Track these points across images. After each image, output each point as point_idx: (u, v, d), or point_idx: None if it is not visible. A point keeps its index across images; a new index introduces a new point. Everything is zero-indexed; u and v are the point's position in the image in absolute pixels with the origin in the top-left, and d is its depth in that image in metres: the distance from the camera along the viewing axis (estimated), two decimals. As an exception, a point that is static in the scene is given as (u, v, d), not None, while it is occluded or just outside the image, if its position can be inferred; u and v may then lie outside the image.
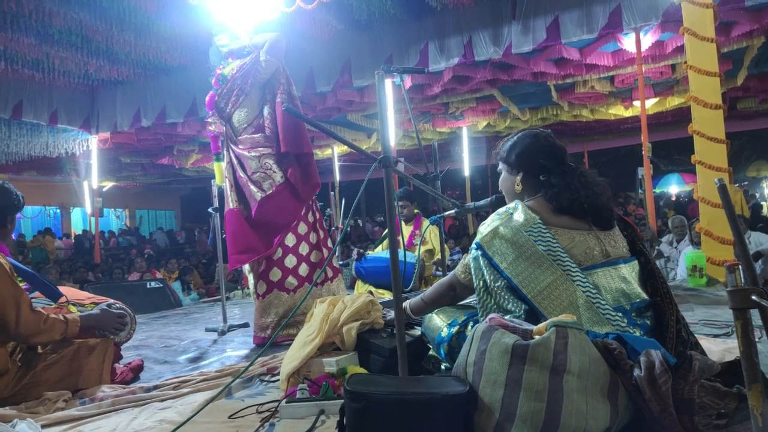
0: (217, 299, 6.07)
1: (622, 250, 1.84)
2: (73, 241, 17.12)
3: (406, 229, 4.97)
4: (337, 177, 11.85)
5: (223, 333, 3.80)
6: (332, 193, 8.23)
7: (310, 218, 3.50)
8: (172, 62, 7.38)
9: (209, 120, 3.54)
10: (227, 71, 3.50)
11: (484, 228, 1.86)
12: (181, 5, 5.40)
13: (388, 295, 3.85)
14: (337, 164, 12.21)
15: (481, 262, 1.83)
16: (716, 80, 4.89)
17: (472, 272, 1.88)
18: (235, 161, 3.44)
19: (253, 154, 3.38)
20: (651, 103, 9.27)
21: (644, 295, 1.78)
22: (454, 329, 1.97)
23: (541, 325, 1.51)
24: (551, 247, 1.74)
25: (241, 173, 3.40)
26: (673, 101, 9.33)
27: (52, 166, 13.48)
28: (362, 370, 2.09)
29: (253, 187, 3.34)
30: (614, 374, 1.45)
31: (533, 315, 1.70)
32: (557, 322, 1.47)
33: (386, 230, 2.46)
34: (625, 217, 2.00)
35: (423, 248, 4.70)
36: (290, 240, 3.38)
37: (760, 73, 8.50)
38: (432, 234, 4.74)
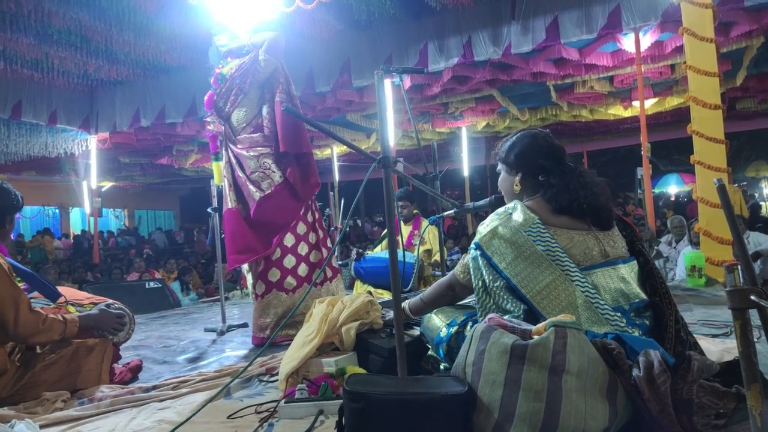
0: (216, 299, 6.07)
1: (621, 251, 1.84)
2: (72, 241, 17.11)
3: (405, 230, 4.97)
4: (337, 177, 11.85)
5: (222, 333, 3.80)
6: (331, 193, 8.23)
7: (309, 218, 3.49)
8: (172, 62, 7.38)
9: (208, 119, 3.54)
10: (226, 70, 3.49)
11: (483, 228, 1.86)
12: (180, 5, 5.40)
13: (387, 295, 3.86)
14: (336, 164, 12.22)
15: (480, 262, 1.83)
16: (715, 80, 4.89)
17: (471, 272, 1.88)
18: (233, 161, 3.43)
19: (251, 153, 3.38)
20: (650, 104, 9.28)
21: (643, 296, 1.78)
22: (453, 329, 1.97)
23: (540, 325, 1.51)
24: (550, 247, 1.74)
25: (239, 173, 3.39)
26: (673, 101, 9.34)
27: (51, 166, 13.48)
28: (361, 371, 2.08)
29: (251, 187, 3.34)
30: (613, 374, 1.45)
31: (532, 315, 1.70)
32: (556, 322, 1.47)
33: (385, 230, 2.46)
34: (624, 218, 2.00)
35: (422, 248, 4.70)
36: (289, 240, 3.37)
37: (760, 73, 8.51)
38: (430, 234, 4.74)
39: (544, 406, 1.37)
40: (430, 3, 6.09)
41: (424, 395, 1.44)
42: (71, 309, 2.51)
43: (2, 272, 2.17)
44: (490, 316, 1.62)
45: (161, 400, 2.20)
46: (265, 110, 3.46)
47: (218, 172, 3.61)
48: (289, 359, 2.18)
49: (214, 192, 3.94)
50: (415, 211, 5.05)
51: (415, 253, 4.35)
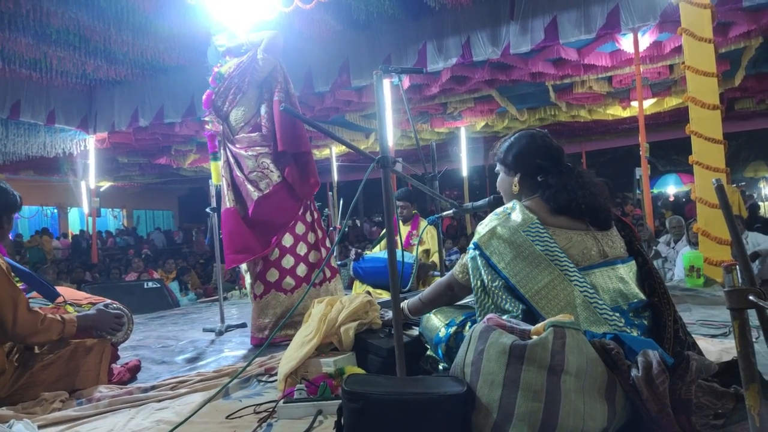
0: (214, 299, 6.07)
1: (620, 251, 1.84)
2: (70, 241, 17.07)
3: (404, 230, 4.96)
4: (335, 177, 11.85)
5: (220, 333, 3.80)
6: (330, 193, 8.23)
7: (308, 218, 3.48)
8: (170, 62, 7.38)
9: (206, 118, 3.52)
10: (224, 69, 3.48)
11: (482, 228, 1.86)
12: (179, 5, 5.40)
13: (386, 295, 3.85)
14: (335, 164, 12.22)
15: (479, 261, 1.83)
16: (714, 81, 4.89)
17: (470, 272, 1.88)
18: (232, 160, 3.42)
19: (250, 153, 3.37)
20: (649, 104, 9.29)
21: (642, 296, 1.78)
22: (452, 329, 1.97)
23: (539, 325, 1.51)
24: (549, 247, 1.74)
25: (237, 172, 3.38)
26: (671, 101, 9.35)
27: (50, 166, 13.47)
28: (360, 371, 2.08)
29: (249, 187, 3.33)
30: (612, 374, 1.45)
31: (531, 315, 1.70)
32: (555, 322, 1.47)
33: (384, 230, 2.46)
34: (623, 218, 2.00)
35: (420, 248, 4.69)
36: (288, 240, 3.35)
37: (758, 73, 8.52)
38: (428, 234, 4.73)
39: (543, 406, 1.37)
40: (429, 3, 6.09)
41: (423, 395, 1.44)
42: (69, 309, 2.51)
43: (1, 272, 2.17)
44: (488, 316, 1.63)
45: (160, 401, 2.20)
46: (263, 109, 3.45)
47: (216, 171, 3.61)
48: (287, 359, 2.18)
49: (213, 192, 3.94)
50: (414, 212, 5.05)
51: (414, 254, 4.35)
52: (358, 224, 16.91)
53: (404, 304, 2.13)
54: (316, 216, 3.54)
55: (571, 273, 1.71)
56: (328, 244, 3.65)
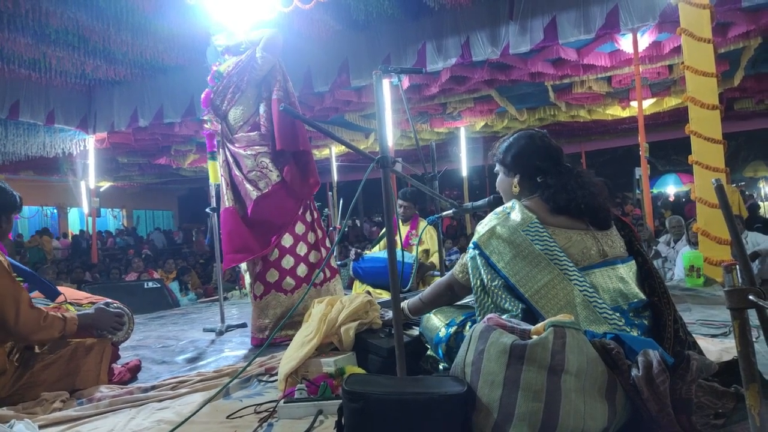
0: (214, 299, 6.07)
1: (620, 250, 1.85)
2: (70, 241, 17.08)
3: (403, 229, 4.96)
4: (335, 177, 11.85)
5: (220, 333, 3.79)
6: (330, 193, 8.23)
7: (308, 218, 3.47)
8: (170, 62, 7.37)
9: (205, 117, 3.51)
10: (223, 68, 3.47)
11: (482, 227, 1.86)
12: (178, 5, 5.39)
13: (386, 295, 3.85)
14: (334, 164, 12.23)
15: (479, 261, 1.83)
16: (713, 81, 4.90)
17: (470, 272, 1.88)
18: (230, 159, 3.41)
19: (248, 152, 3.36)
20: (648, 104, 9.29)
21: (642, 295, 1.78)
22: (452, 329, 1.97)
23: (539, 325, 1.51)
24: (548, 247, 1.74)
25: (236, 172, 3.37)
26: (671, 102, 9.35)
27: (49, 166, 13.46)
28: (360, 370, 2.08)
29: (248, 186, 3.32)
30: (612, 374, 1.45)
31: (530, 314, 1.70)
32: (555, 321, 1.47)
33: (383, 230, 2.46)
34: (623, 217, 2.00)
35: (420, 248, 4.70)
36: (287, 240, 3.34)
37: (757, 73, 8.53)
38: (428, 234, 4.73)
39: (543, 406, 1.37)
40: (429, 3, 6.09)
41: (423, 395, 1.44)
42: (70, 308, 2.51)
43: (2, 269, 2.16)
44: (489, 315, 1.63)
45: (160, 401, 2.20)
46: (262, 108, 3.44)
47: (214, 170, 3.60)
48: (288, 359, 2.18)
49: (213, 192, 3.93)
50: (414, 212, 5.05)
51: (414, 253, 4.35)
52: (358, 224, 16.91)
53: (404, 304, 2.13)
54: (315, 216, 3.53)
55: (570, 272, 1.71)
56: (328, 244, 3.65)
